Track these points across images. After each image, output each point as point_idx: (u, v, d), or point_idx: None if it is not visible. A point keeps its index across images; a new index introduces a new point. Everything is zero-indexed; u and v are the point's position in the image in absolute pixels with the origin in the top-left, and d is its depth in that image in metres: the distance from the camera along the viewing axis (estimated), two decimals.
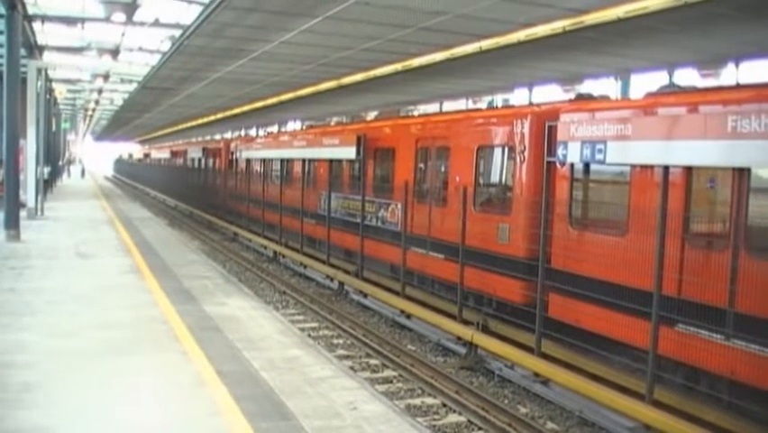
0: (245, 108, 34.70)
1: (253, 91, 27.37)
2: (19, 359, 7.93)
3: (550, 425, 8.94)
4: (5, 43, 19.24)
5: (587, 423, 8.90)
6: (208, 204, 32.11)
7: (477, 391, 9.87)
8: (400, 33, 15.32)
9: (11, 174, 19.05)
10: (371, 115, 33.75)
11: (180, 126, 52.99)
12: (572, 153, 9.34)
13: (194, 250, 19.26)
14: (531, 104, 17.09)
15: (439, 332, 12.40)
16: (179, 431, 6.24)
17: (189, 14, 17.49)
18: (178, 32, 18.97)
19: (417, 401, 9.59)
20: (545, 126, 10.08)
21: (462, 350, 11.61)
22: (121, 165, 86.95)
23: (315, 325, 13.79)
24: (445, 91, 26.02)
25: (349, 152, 16.90)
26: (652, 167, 8.61)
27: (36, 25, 22.14)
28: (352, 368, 10.16)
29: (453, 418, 9.09)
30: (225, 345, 8.87)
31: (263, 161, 25.15)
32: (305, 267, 19.15)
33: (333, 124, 34.97)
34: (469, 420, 8.96)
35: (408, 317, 13.60)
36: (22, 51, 20.80)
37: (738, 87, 10.08)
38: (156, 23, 20.15)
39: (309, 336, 12.07)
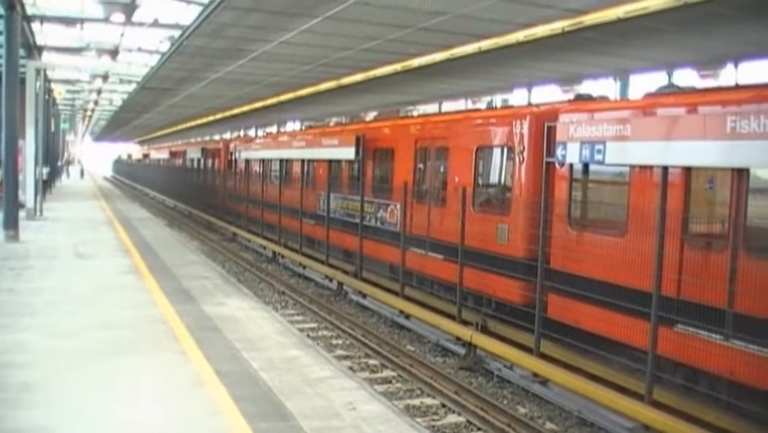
0: (244, 109, 34.71)
1: (253, 91, 27.38)
2: (18, 359, 7.93)
3: (549, 425, 8.94)
4: (4, 44, 19.23)
5: (586, 423, 8.90)
6: (207, 204, 32.10)
7: (476, 391, 9.87)
8: (400, 34, 15.33)
9: (10, 175, 19.04)
10: (371, 115, 33.77)
11: (179, 127, 53.00)
12: (571, 154, 9.34)
13: (193, 250, 19.26)
14: (530, 104, 17.09)
15: (438, 332, 12.40)
16: (179, 431, 6.24)
17: (188, 15, 17.49)
18: (177, 33, 18.97)
19: (416, 402, 9.59)
20: (544, 127, 10.08)
21: (462, 350, 11.61)
22: (120, 166, 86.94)
23: (314, 325, 13.79)
24: (445, 91, 26.04)
25: (348, 153, 16.91)
26: (651, 167, 8.62)
27: (35, 26, 22.13)
28: (351, 368, 10.16)
29: (452, 418, 9.09)
30: (224, 346, 8.87)
31: (262, 161, 25.15)
32: (304, 267, 19.14)
33: (332, 124, 34.98)
34: (468, 421, 8.96)
35: (407, 317, 13.60)
36: (21, 52, 20.78)
37: (737, 87, 10.07)
38: (155, 24, 20.14)
39: (308, 336, 12.08)
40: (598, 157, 8.91)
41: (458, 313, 11.78)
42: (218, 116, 40.76)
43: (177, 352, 8.48)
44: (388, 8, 13.35)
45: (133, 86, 32.20)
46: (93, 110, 55.11)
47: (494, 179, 12.72)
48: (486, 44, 16.00)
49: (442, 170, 13.84)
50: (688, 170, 8.29)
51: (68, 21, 21.63)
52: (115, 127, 67.60)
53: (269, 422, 6.37)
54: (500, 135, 12.03)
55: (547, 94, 23.57)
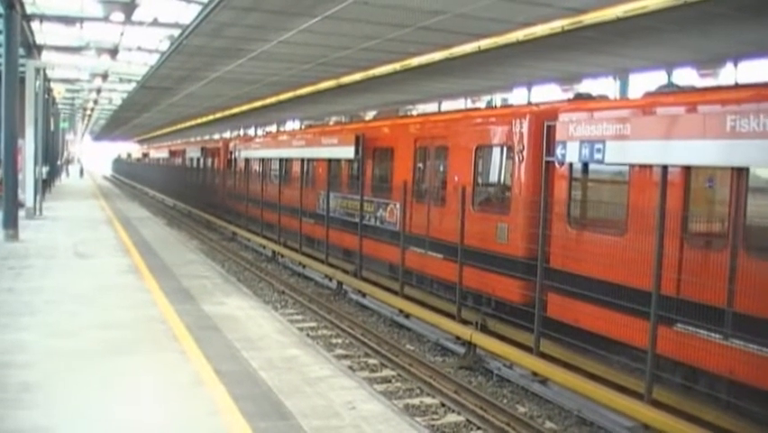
0: (244, 108, 34.69)
1: (252, 91, 27.36)
2: (18, 359, 7.92)
3: (548, 424, 8.94)
4: (4, 43, 19.23)
5: (585, 422, 8.90)
6: (207, 203, 32.10)
7: (475, 390, 9.87)
8: (399, 33, 15.32)
9: (9, 174, 19.04)
10: (370, 114, 33.76)
11: (179, 126, 52.97)
12: (571, 153, 9.34)
13: (192, 249, 19.25)
14: (530, 103, 17.10)
15: (438, 331, 12.40)
16: (178, 431, 6.24)
17: (188, 14, 17.49)
18: (176, 32, 18.96)
19: (416, 401, 9.59)
20: (544, 126, 10.07)
21: (461, 349, 11.62)
22: (119, 165, 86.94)
23: (313, 324, 13.79)
24: (444, 91, 26.02)
25: (347, 152, 16.90)
26: (650, 166, 8.62)
27: (34, 25, 22.12)
28: (350, 367, 10.16)
29: (452, 417, 9.09)
30: (224, 345, 8.87)
31: (262, 160, 25.15)
32: (303, 267, 19.15)
33: (331, 123, 34.97)
34: (467, 420, 8.96)
35: (407, 316, 13.60)
36: (21, 51, 20.76)
37: (737, 86, 10.08)
38: (155, 23, 20.14)
39: (308, 335, 12.08)
40: (597, 156, 8.90)
41: (457, 312, 11.79)
42: (218, 116, 40.75)
43: (176, 351, 8.48)
44: (388, 7, 13.34)
45: (133, 85, 32.19)
46: (92, 109, 55.07)
47: (494, 178, 12.72)
48: (485, 43, 15.99)
49: (441, 169, 13.84)
50: (687, 170, 8.29)
51: (68, 20, 21.62)
52: (115, 126, 67.58)
53: (269, 421, 6.37)
54: (500, 134, 12.03)
55: (547, 93, 23.57)
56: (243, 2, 13.76)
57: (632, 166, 9.02)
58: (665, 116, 8.55)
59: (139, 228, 22.36)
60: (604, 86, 21.89)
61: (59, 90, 36.24)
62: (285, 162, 22.56)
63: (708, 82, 17.24)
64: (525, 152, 11.19)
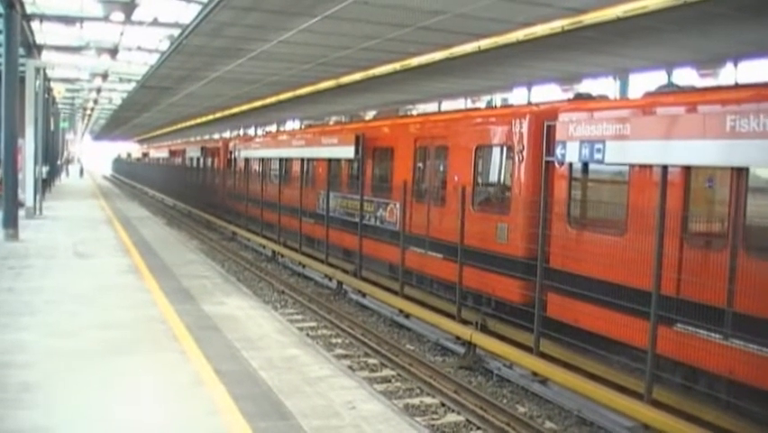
0: (244, 108, 34.69)
1: (252, 90, 27.36)
2: (18, 359, 7.93)
3: (548, 424, 8.94)
4: (4, 42, 19.23)
5: (585, 422, 8.90)
6: (207, 203, 32.10)
7: (475, 390, 9.87)
8: (399, 33, 15.32)
9: (9, 173, 19.05)
10: (370, 114, 33.75)
11: (179, 126, 52.97)
12: (571, 153, 9.34)
13: (192, 249, 19.25)
14: (530, 103, 17.10)
15: (438, 331, 12.40)
16: (178, 431, 6.24)
17: (188, 14, 17.49)
18: (176, 32, 18.96)
19: (416, 401, 9.59)
20: (544, 126, 10.07)
21: (461, 349, 11.62)
22: (119, 164, 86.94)
23: (313, 324, 13.79)
24: (444, 91, 26.02)
25: (347, 152, 16.90)
26: (650, 166, 8.62)
27: (34, 24, 22.12)
28: (350, 367, 10.16)
29: (452, 417, 9.09)
30: (224, 345, 8.87)
31: (262, 160, 25.14)
32: (303, 266, 19.15)
33: (331, 123, 34.97)
34: (467, 420, 8.96)
35: (407, 316, 13.60)
36: (21, 51, 20.77)
37: (737, 86, 10.08)
38: (155, 23, 20.14)
39: (308, 335, 12.08)
40: (597, 156, 8.90)
41: (457, 312, 11.79)
42: (218, 115, 40.75)
43: (176, 351, 8.48)
44: (388, 7, 13.34)
45: (133, 84, 32.19)
46: (92, 109, 55.07)
47: (493, 178, 12.72)
48: (485, 43, 15.99)
49: (441, 169, 13.84)
50: (687, 170, 8.29)
51: (68, 19, 21.62)
52: (115, 126, 67.57)
53: (269, 421, 6.37)
54: (500, 134, 12.03)
55: (547, 93, 23.57)
56: (243, 2, 13.76)
57: (632, 166, 9.02)
58: (665, 116, 8.55)
59: (139, 228, 22.36)
60: (604, 86, 21.91)
61: (59, 90, 36.24)
62: (285, 162, 22.56)
63: (708, 82, 17.24)
64: (524, 152, 11.19)
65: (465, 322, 11.70)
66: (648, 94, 9.94)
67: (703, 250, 8.15)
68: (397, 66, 19.78)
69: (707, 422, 7.70)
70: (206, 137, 55.27)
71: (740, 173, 7.64)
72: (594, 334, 9.44)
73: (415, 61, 18.93)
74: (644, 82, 19.77)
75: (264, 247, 22.66)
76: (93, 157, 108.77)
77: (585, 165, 9.87)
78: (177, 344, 8.81)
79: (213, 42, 17.65)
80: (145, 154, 71.49)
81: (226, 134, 54.54)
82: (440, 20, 13.89)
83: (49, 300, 10.97)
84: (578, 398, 9.11)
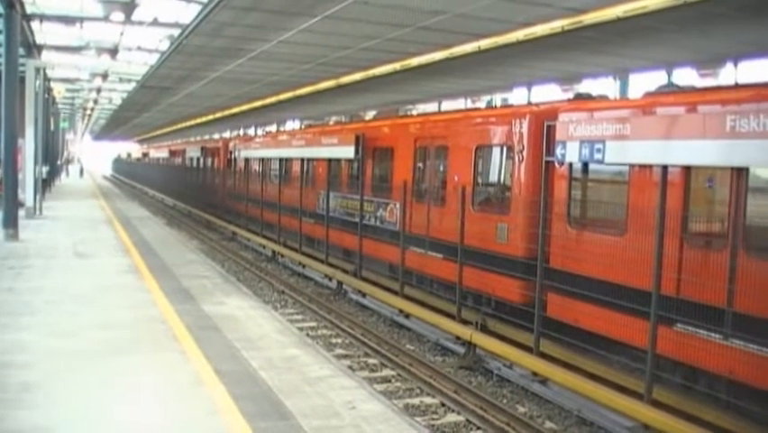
0: (244, 108, 34.69)
1: (252, 90, 27.36)
2: (18, 359, 7.93)
3: (548, 424, 8.94)
4: (4, 42, 19.23)
5: (585, 422, 8.90)
6: (207, 203, 32.10)
7: (475, 390, 9.87)
8: (399, 33, 15.32)
9: (9, 173, 19.05)
10: (370, 114, 33.76)
11: (179, 126, 52.97)
12: (571, 153, 9.34)
13: (192, 249, 19.25)
14: (530, 103, 17.10)
15: (438, 331, 12.40)
16: (178, 431, 6.24)
17: (188, 14, 17.49)
18: (176, 32, 18.96)
19: (416, 401, 9.59)
20: (544, 126, 10.07)
21: (461, 349, 11.62)
22: (119, 164, 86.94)
23: (313, 324, 13.79)
24: (444, 91, 26.02)
25: (347, 152, 16.90)
26: (650, 166, 8.62)
27: (34, 24, 22.12)
28: (350, 367, 10.16)
29: (452, 417, 9.09)
30: (224, 345, 8.87)
31: (262, 160, 25.15)
32: (303, 266, 19.15)
33: (331, 123, 34.97)
34: (467, 420, 8.96)
35: (407, 316, 13.60)
36: (21, 51, 20.77)
37: (737, 86, 10.08)
38: (155, 23, 20.14)
39: (308, 335, 12.08)
40: (597, 156, 8.90)
41: (457, 312, 11.79)
42: (217, 115, 40.75)
43: (176, 351, 8.48)
44: (388, 7, 13.34)
45: (133, 84, 32.19)
46: (92, 109, 55.07)
47: (493, 178, 12.72)
48: (485, 43, 15.99)
49: (441, 169, 13.84)
50: (687, 170, 8.29)
51: (68, 19, 21.62)
52: (115, 126, 67.57)
53: (269, 421, 6.37)
54: (500, 134, 12.03)
55: (547, 93, 23.57)
56: (243, 2, 13.76)
57: (632, 166, 9.02)
58: (665, 116, 8.55)
59: (139, 228, 22.36)
60: (604, 86, 21.91)
61: (59, 90, 36.24)
62: (285, 162, 22.56)
63: (708, 82, 17.25)
64: (524, 152, 11.19)
65: (465, 322, 11.70)
66: (648, 94, 9.94)
67: (703, 250, 8.15)
68: (397, 66, 19.78)
69: (707, 422, 7.70)
70: (206, 137, 55.25)
71: (740, 173, 7.64)
72: (594, 334, 9.44)
73: (415, 61, 18.94)
74: (644, 82, 19.78)
75: (264, 247, 22.66)
76: (93, 157, 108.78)
77: (585, 165, 9.87)
78: (177, 344, 8.81)
79: (213, 42, 17.65)
80: (145, 154, 71.50)
81: (226, 134, 54.52)
82: (440, 20, 13.89)
83: (49, 300, 10.98)
84: (578, 398, 9.11)
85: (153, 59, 24.33)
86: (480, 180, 12.74)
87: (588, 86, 21.48)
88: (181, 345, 8.76)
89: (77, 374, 7.53)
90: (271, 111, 35.56)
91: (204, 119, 44.46)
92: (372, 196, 15.93)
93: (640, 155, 8.45)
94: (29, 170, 23.19)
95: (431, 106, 30.80)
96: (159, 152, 59.13)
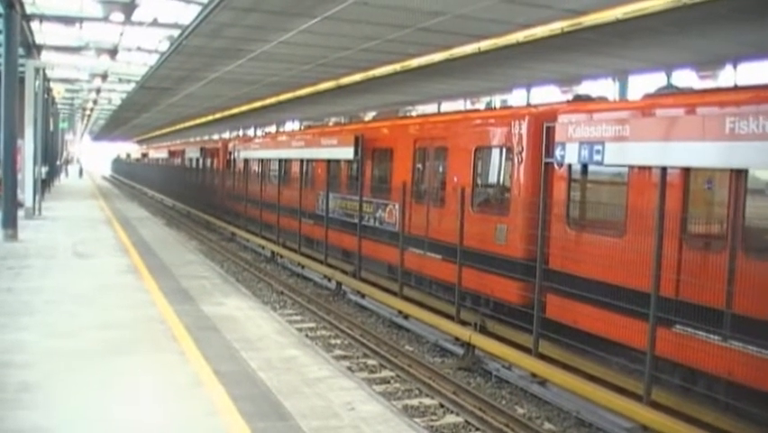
0: (243, 108, 34.71)
1: (252, 91, 27.37)
2: (18, 359, 7.92)
3: (547, 425, 8.95)
4: (3, 43, 19.23)
5: (584, 424, 8.90)
6: (206, 204, 32.11)
7: (474, 391, 9.88)
8: (399, 34, 15.33)
9: (9, 174, 19.05)
10: (370, 115, 33.78)
11: (178, 126, 52.99)
12: (570, 154, 9.35)
13: (192, 250, 19.25)
14: (529, 105, 17.11)
15: (437, 332, 12.40)
16: (178, 431, 6.24)
17: (188, 14, 17.50)
18: (176, 32, 18.97)
19: (415, 402, 9.60)
20: (543, 127, 10.08)
21: (460, 351, 11.62)
22: (119, 165, 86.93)
23: (312, 325, 13.79)
24: (444, 92, 26.05)
25: (347, 153, 16.91)
26: (649, 168, 8.63)
27: (34, 25, 22.13)
28: (349, 368, 10.15)
29: (451, 418, 9.09)
30: (223, 345, 8.87)
31: (261, 161, 25.15)
32: (302, 267, 19.14)
33: (331, 124, 34.98)
34: (466, 421, 8.96)
35: (406, 317, 13.60)
36: (20, 51, 20.77)
37: (736, 88, 10.09)
38: (154, 23, 20.16)
39: (307, 336, 12.07)
40: (596, 157, 8.91)
41: (456, 313, 11.79)
42: (217, 116, 40.76)
43: (175, 352, 8.48)
44: (388, 8, 13.36)
45: (132, 85, 32.20)
46: (92, 109, 55.09)
47: (493, 179, 12.73)
48: (485, 45, 16.02)
49: (440, 170, 13.85)
50: (686, 171, 8.30)
51: (68, 20, 21.65)
52: (114, 126, 67.58)
53: (268, 422, 6.38)
54: (499, 136, 12.04)
55: (546, 94, 23.61)
56: (243, 2, 13.77)
57: (631, 167, 9.02)
58: (664, 118, 8.56)
59: (138, 228, 22.36)
60: (603, 87, 21.93)
61: (58, 90, 36.24)
62: (284, 163, 22.57)
63: (708, 84, 17.27)
64: (524, 154, 11.20)
65: (464, 323, 11.71)
66: (647, 95, 9.95)
67: (702, 251, 8.16)
68: (396, 67, 19.80)
69: (706, 423, 7.70)
70: (206, 138, 55.25)
71: (739, 175, 7.65)
72: (593, 335, 9.44)
73: (414, 62, 18.96)
74: (643, 84, 19.80)
75: (263, 248, 22.66)
76: (92, 157, 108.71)
77: (584, 166, 9.88)
78: (176, 344, 8.81)
79: (212, 43, 17.66)
80: (144, 155, 71.48)
81: (226, 135, 54.52)
82: (440, 21, 13.91)
83: (48, 300, 10.98)
84: (577, 399, 9.10)
85: (153, 59, 24.34)
86: (479, 182, 12.75)
87: (587, 87, 21.52)
88: (180, 345, 8.76)
89: (76, 374, 7.53)
90: (271, 112, 35.58)
91: (203, 120, 44.47)
92: (371, 197, 15.94)
93: (639, 157, 8.46)
94: (28, 170, 23.19)
95: (430, 108, 30.82)
96: (158, 153, 59.14)
